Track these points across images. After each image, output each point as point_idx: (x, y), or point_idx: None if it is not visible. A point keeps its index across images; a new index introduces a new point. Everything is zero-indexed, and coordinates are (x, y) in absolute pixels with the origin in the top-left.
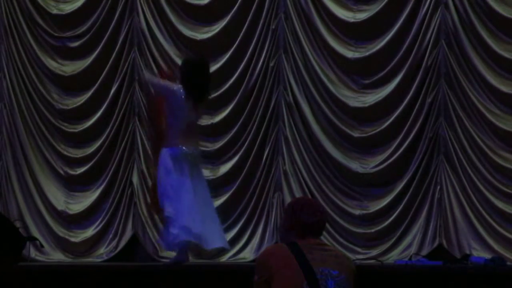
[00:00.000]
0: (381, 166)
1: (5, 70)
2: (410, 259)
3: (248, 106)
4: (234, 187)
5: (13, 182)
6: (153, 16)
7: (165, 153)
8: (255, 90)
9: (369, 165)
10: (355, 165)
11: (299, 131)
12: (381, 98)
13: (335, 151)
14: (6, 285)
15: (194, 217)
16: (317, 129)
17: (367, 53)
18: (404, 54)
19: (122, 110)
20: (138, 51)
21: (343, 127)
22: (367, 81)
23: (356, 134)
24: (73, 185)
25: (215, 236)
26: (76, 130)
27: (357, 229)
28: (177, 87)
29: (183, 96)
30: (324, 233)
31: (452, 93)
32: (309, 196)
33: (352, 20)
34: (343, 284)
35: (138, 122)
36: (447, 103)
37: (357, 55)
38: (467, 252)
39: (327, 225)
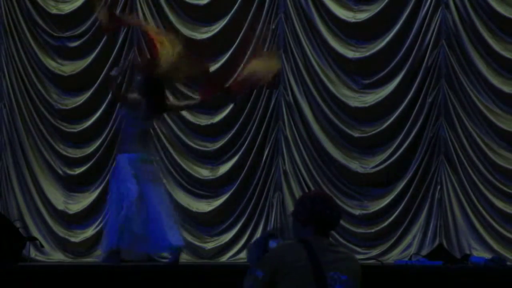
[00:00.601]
0: (381, 166)
1: (5, 70)
2: (410, 259)
3: (248, 106)
4: (234, 187)
5: (13, 182)
6: (153, 16)
7: (119, 158)
8: (255, 90)
9: (369, 165)
10: (355, 165)
11: (299, 131)
12: (382, 98)
13: (335, 151)
14: (6, 285)
15: (133, 223)
16: (317, 129)
17: (368, 53)
18: (405, 54)
19: None
20: (138, 51)
21: (343, 127)
22: (367, 81)
23: (356, 134)
24: (72, 185)
25: (153, 241)
26: (75, 130)
27: (357, 229)
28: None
29: (144, 108)
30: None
31: (452, 93)
32: None
33: (353, 20)
34: None
35: None
36: (447, 103)
37: (357, 55)
38: (467, 252)
39: None
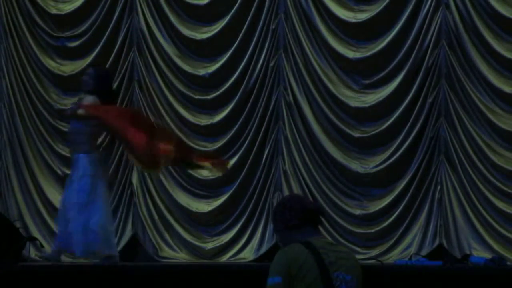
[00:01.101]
0: (382, 166)
1: (4, 70)
2: (410, 259)
3: (248, 106)
4: (234, 187)
5: (13, 182)
6: (153, 16)
7: (82, 158)
8: (255, 90)
9: (370, 165)
10: (356, 165)
11: (299, 131)
12: (382, 98)
13: (335, 151)
14: (6, 285)
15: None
16: (318, 129)
17: (368, 53)
18: (405, 54)
19: None
20: (138, 51)
21: (343, 127)
22: (368, 81)
23: (356, 134)
24: None
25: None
26: None
27: (357, 229)
28: (93, 98)
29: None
30: (325, 233)
31: (453, 93)
32: (310, 196)
33: (353, 21)
34: None
35: None
36: (447, 103)
37: (358, 55)
38: (467, 252)
39: (328, 225)
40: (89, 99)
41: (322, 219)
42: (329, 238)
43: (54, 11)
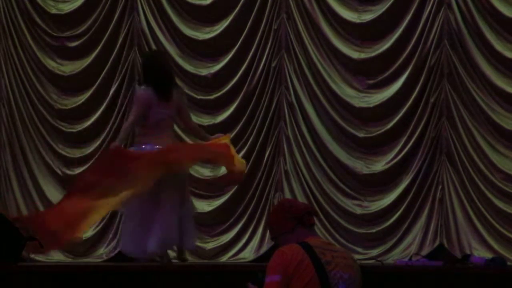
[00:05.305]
0: (387, 166)
1: (4, 69)
2: (410, 259)
3: (250, 107)
4: (235, 187)
5: (12, 182)
6: (154, 16)
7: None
8: (257, 91)
9: (375, 165)
10: (360, 165)
11: (301, 131)
12: (386, 98)
13: (339, 151)
14: (6, 285)
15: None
16: (321, 130)
17: (373, 54)
18: (409, 54)
19: (122, 110)
20: (139, 51)
21: (347, 128)
22: (372, 81)
23: (361, 134)
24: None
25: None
26: (74, 130)
27: (358, 229)
28: (142, 89)
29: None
30: (325, 233)
31: (455, 93)
32: (310, 196)
33: (358, 21)
34: (353, 287)
35: None
36: (449, 103)
37: (362, 55)
38: (468, 252)
39: (328, 225)
40: (138, 92)
41: (322, 218)
42: (330, 238)
43: (54, 11)
